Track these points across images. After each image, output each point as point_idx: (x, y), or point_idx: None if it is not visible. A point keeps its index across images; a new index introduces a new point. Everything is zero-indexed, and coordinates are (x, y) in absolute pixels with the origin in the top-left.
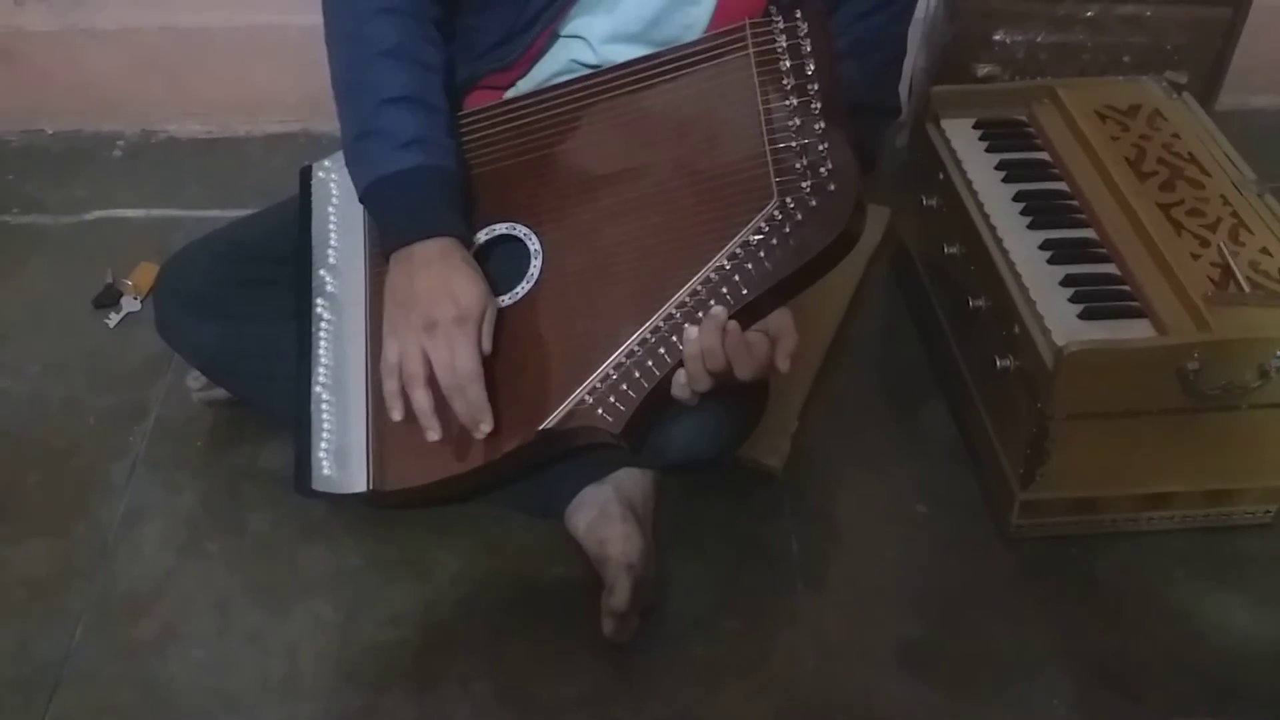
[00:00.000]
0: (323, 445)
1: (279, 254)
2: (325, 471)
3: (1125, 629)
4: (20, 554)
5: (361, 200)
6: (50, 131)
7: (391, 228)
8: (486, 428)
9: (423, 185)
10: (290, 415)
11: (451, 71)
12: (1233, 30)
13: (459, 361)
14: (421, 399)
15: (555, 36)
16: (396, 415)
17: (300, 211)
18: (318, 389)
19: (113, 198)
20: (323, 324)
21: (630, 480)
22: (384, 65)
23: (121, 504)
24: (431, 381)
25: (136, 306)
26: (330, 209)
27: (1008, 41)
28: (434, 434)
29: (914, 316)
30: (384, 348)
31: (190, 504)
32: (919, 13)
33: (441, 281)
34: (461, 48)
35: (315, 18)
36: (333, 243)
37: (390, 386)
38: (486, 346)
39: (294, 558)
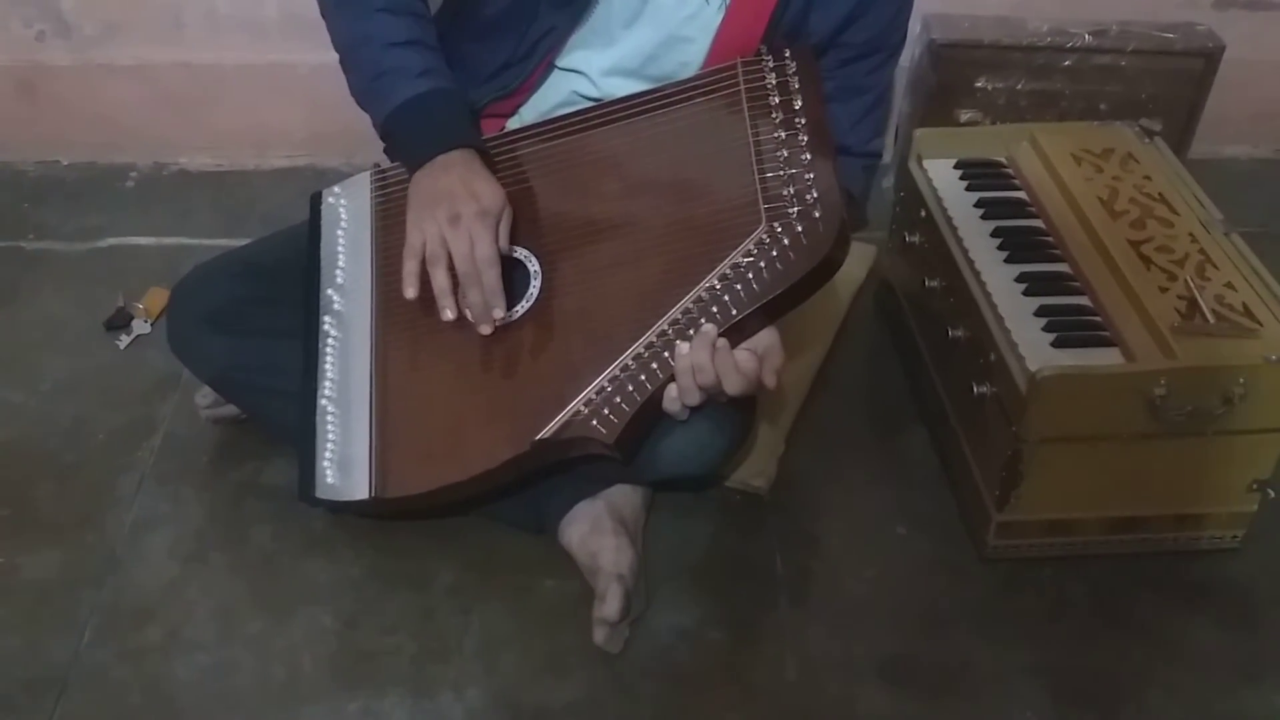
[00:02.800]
0: (327, 455)
1: (291, 275)
2: (329, 480)
3: (1097, 646)
4: (31, 562)
5: (383, 130)
6: (66, 162)
7: (414, 148)
8: (499, 314)
9: (439, 106)
10: (295, 428)
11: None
12: (1204, 81)
13: (479, 249)
14: (441, 278)
15: (552, 68)
16: (411, 292)
17: (310, 234)
18: (323, 402)
19: (125, 226)
20: (329, 340)
21: (622, 496)
22: (383, 18)
23: (129, 516)
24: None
25: (147, 329)
26: (339, 232)
27: (989, 88)
28: (450, 313)
29: (896, 347)
30: (407, 237)
31: (196, 516)
32: (905, 60)
33: (463, 182)
34: (464, 74)
35: (323, 57)
36: (341, 264)
37: (409, 266)
38: (504, 244)
39: (295, 568)
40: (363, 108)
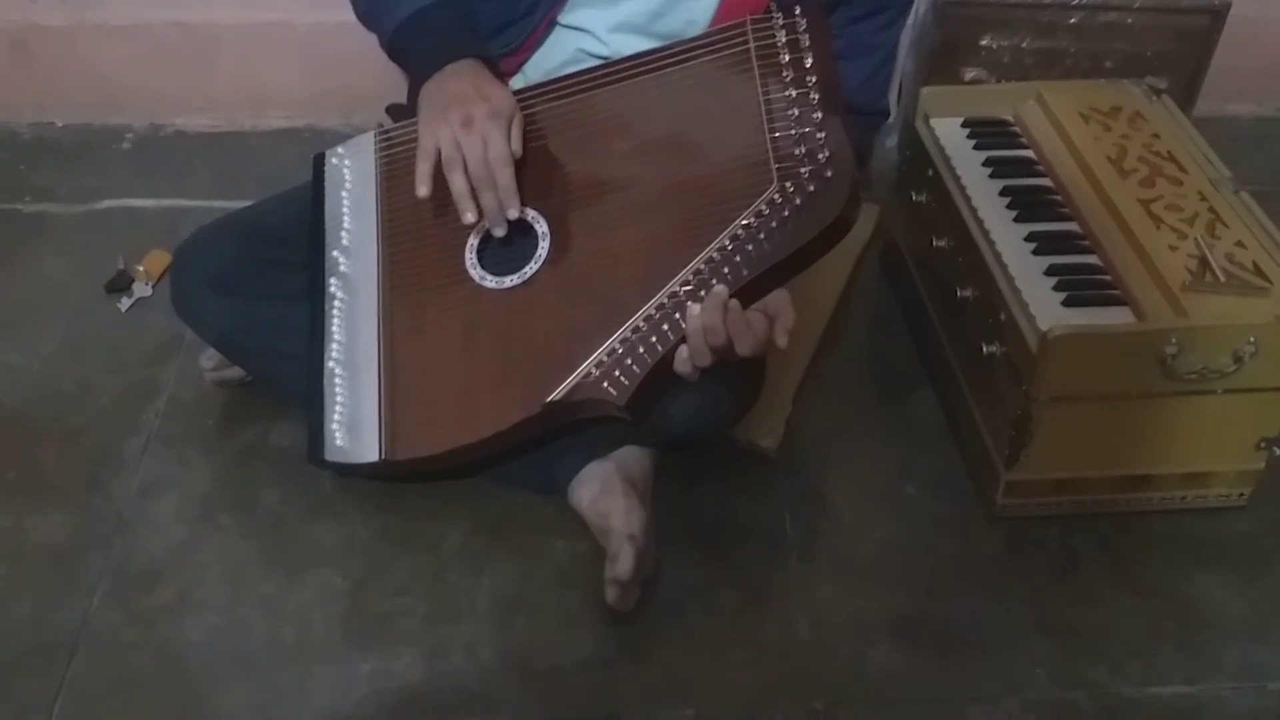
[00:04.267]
0: (335, 417)
1: (295, 236)
2: (338, 442)
3: (1105, 604)
4: (38, 525)
5: (389, 45)
6: (60, 124)
7: (424, 59)
8: (514, 214)
9: (443, 19)
10: (302, 391)
11: None
12: (1210, 38)
13: (492, 150)
14: (460, 182)
15: (554, 24)
16: (424, 191)
17: (314, 196)
18: (331, 364)
19: (123, 188)
20: (336, 302)
21: (631, 457)
22: None
23: (136, 479)
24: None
25: (148, 292)
26: (344, 193)
27: (994, 46)
28: (471, 215)
29: (902, 307)
30: (419, 140)
31: (203, 479)
32: (909, 18)
33: (473, 86)
34: None
35: (321, 15)
36: (346, 225)
37: (422, 168)
38: (516, 148)
39: (304, 530)
40: (368, 27)
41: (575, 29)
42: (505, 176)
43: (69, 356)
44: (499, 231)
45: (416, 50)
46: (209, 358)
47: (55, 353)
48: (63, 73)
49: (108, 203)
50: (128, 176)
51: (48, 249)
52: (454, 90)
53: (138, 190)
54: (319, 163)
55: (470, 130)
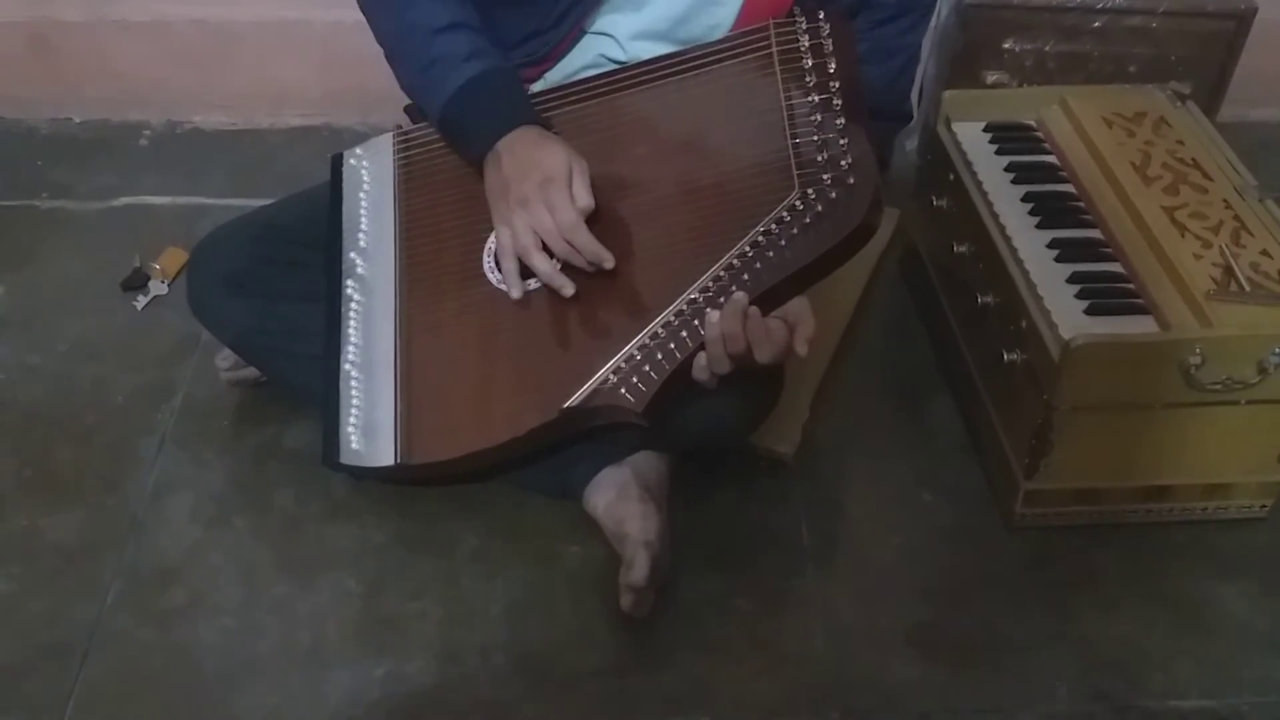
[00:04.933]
0: (351, 420)
1: (312, 237)
2: (353, 445)
3: (1125, 615)
4: (52, 525)
5: (440, 123)
6: (78, 120)
7: (475, 134)
8: (609, 264)
9: (492, 87)
10: (317, 393)
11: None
12: (1235, 43)
13: (558, 218)
14: (542, 263)
15: (583, 33)
16: (516, 293)
17: (331, 197)
18: (347, 367)
19: (140, 185)
20: (353, 305)
21: (647, 463)
22: (424, 4)
23: (150, 479)
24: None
25: (164, 290)
26: (362, 194)
27: (1017, 50)
28: (569, 289)
29: (922, 313)
30: (498, 237)
31: (217, 480)
32: (931, 20)
33: (524, 159)
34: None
35: (339, 13)
36: (364, 227)
37: (508, 266)
38: (585, 199)
39: (318, 533)
40: (417, 102)
41: (599, 34)
42: (583, 238)
43: (85, 355)
44: (606, 267)
45: (468, 128)
46: (224, 357)
47: (71, 351)
48: (81, 69)
49: (125, 200)
50: (145, 173)
51: (65, 246)
52: (507, 172)
53: (155, 187)
54: (337, 163)
55: (530, 208)
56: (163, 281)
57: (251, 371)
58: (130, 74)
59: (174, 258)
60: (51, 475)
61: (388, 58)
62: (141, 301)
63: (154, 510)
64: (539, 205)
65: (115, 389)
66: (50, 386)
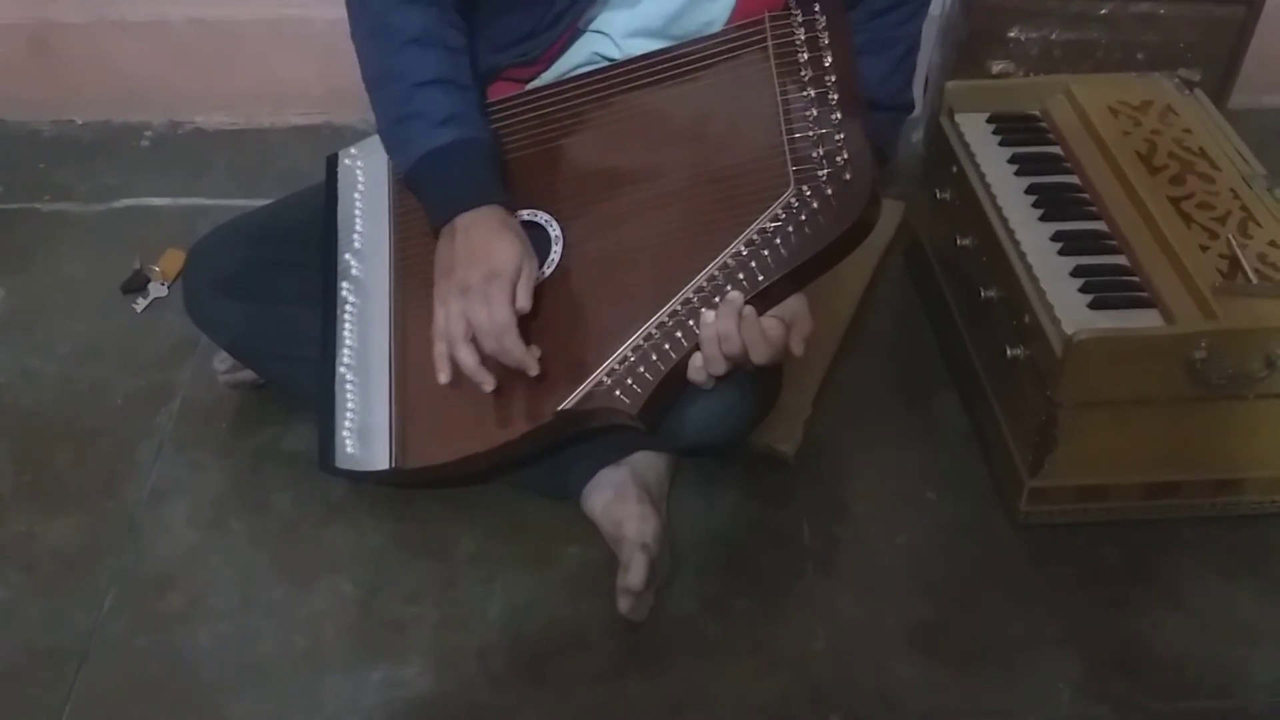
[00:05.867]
0: (346, 424)
1: (308, 238)
2: (349, 450)
3: (1132, 615)
4: (50, 529)
5: (406, 180)
6: (80, 121)
7: (436, 203)
8: (532, 372)
9: (462, 158)
10: (314, 396)
11: (474, 54)
12: (1245, 29)
13: (493, 315)
14: (465, 356)
15: (579, 32)
16: (443, 378)
17: (326, 197)
18: (342, 370)
19: (140, 186)
20: (347, 306)
21: (646, 463)
22: (412, 52)
23: (148, 483)
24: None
25: (164, 292)
26: (356, 195)
27: (1022, 39)
28: (488, 385)
29: (926, 307)
30: (434, 315)
31: (215, 483)
32: (935, 9)
33: (478, 245)
34: (484, 41)
35: (340, 11)
36: (358, 228)
37: (437, 349)
38: (524, 302)
39: (316, 536)
40: (386, 151)
41: (593, 32)
42: (510, 342)
43: (84, 358)
44: (532, 371)
45: (430, 194)
46: (222, 360)
47: (71, 354)
48: (82, 70)
49: (126, 201)
50: (146, 174)
51: (65, 248)
52: (459, 254)
53: (156, 189)
54: (332, 164)
55: (469, 298)
56: (162, 284)
57: (249, 374)
58: (131, 75)
59: (174, 260)
60: (50, 479)
61: (369, 94)
62: (141, 304)
63: (152, 514)
64: (478, 298)
65: (114, 392)
66: (50, 390)
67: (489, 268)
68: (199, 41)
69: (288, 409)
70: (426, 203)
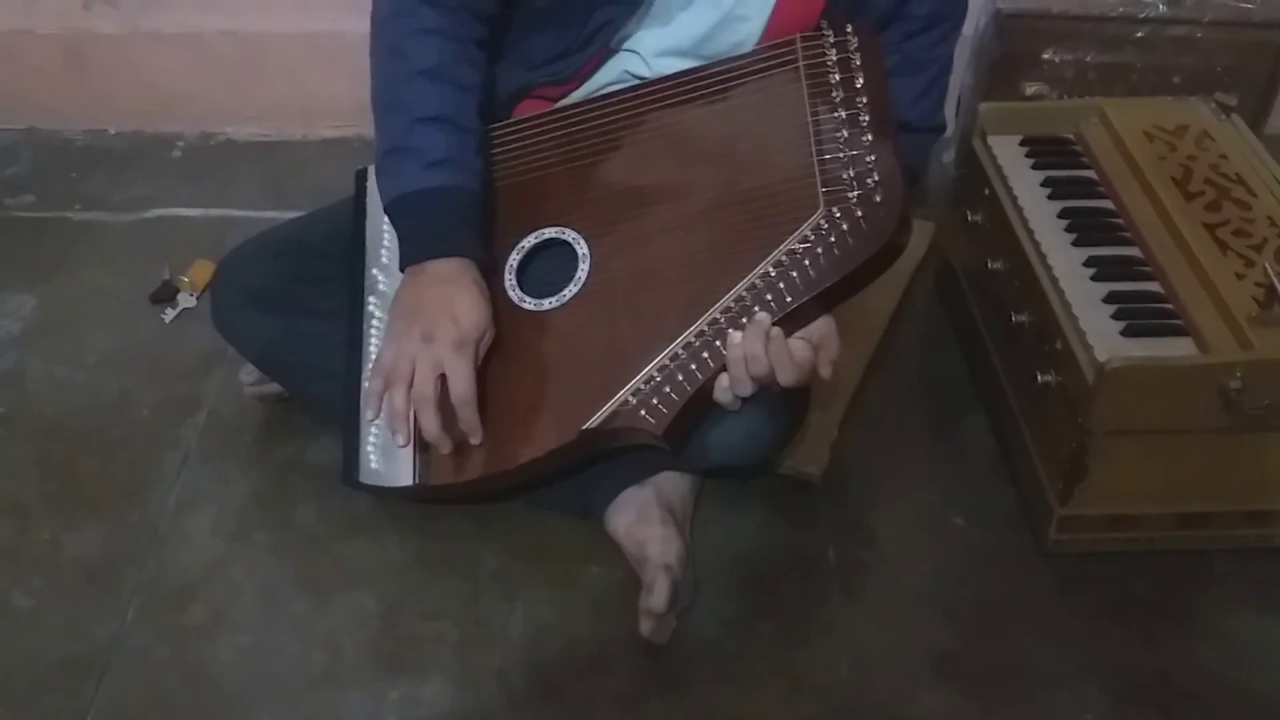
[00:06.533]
0: (370, 440)
1: (336, 252)
2: (373, 465)
3: (1161, 647)
4: (74, 539)
5: (386, 212)
6: (112, 131)
7: (411, 243)
8: (476, 440)
9: (445, 205)
10: (339, 410)
11: (489, 88)
12: None
13: (456, 386)
14: (398, 399)
15: (611, 52)
16: (370, 415)
17: (355, 212)
18: (367, 385)
19: (171, 197)
20: (374, 321)
21: (670, 483)
22: (421, 84)
23: (173, 494)
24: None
25: (192, 303)
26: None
27: (1056, 61)
28: (401, 439)
29: (956, 330)
30: (380, 351)
31: (240, 495)
32: (967, 30)
33: (446, 301)
34: (516, 60)
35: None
36: (386, 243)
37: (374, 385)
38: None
39: (339, 550)
40: (376, 175)
41: (625, 51)
42: (468, 414)
43: (112, 367)
44: (444, 450)
45: (411, 230)
46: (249, 373)
47: (99, 363)
48: (115, 81)
49: (156, 211)
50: (177, 185)
51: (96, 258)
52: (427, 302)
53: (187, 199)
54: (361, 178)
55: (429, 350)
56: (191, 294)
57: (275, 387)
58: (164, 85)
59: (203, 270)
60: (76, 489)
61: (373, 111)
62: (170, 314)
63: (176, 525)
64: (436, 356)
65: (141, 402)
66: (77, 399)
67: (458, 334)
68: (231, 54)
69: (313, 422)
70: (401, 241)
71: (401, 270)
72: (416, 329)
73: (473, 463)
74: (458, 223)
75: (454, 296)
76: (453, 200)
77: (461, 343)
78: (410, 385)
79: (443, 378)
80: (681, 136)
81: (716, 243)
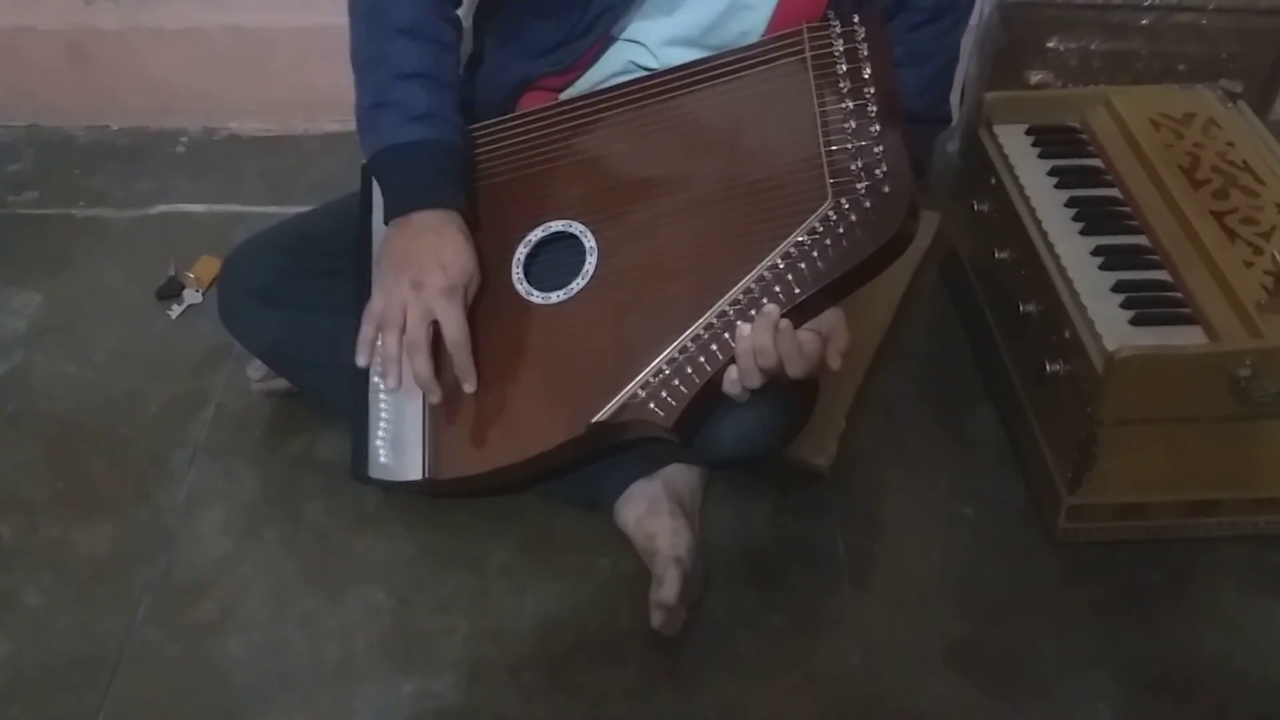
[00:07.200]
0: (380, 434)
1: (344, 247)
2: (382, 459)
3: (1172, 635)
4: (84, 537)
5: (369, 166)
6: (116, 128)
7: (396, 196)
8: (470, 388)
9: (429, 158)
10: (348, 405)
11: (506, 64)
12: None
13: (449, 330)
14: (391, 344)
15: (612, 40)
16: (362, 361)
17: (361, 206)
18: (375, 380)
19: (176, 193)
20: None
21: (679, 476)
22: (401, 41)
23: (182, 491)
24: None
25: (198, 299)
26: None
27: (1061, 49)
28: (392, 382)
29: (963, 320)
30: (370, 300)
31: (249, 491)
32: (973, 18)
33: (434, 249)
34: (517, 50)
35: None
36: None
37: (365, 332)
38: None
39: (348, 545)
40: (358, 133)
41: (628, 41)
42: (463, 358)
43: (119, 364)
44: (433, 399)
45: (390, 186)
46: (256, 368)
47: (106, 361)
48: (118, 76)
49: (161, 207)
50: (182, 181)
51: (101, 254)
52: (414, 251)
53: (191, 195)
54: (366, 173)
55: (419, 296)
56: (197, 290)
57: (283, 382)
58: (167, 81)
59: (208, 266)
60: (85, 487)
61: (354, 73)
62: (176, 310)
63: (185, 522)
64: (424, 301)
65: (149, 399)
66: (85, 396)
67: (446, 281)
68: (235, 49)
69: (321, 417)
70: (385, 194)
71: (386, 223)
72: (405, 277)
73: (481, 456)
74: (442, 175)
75: (440, 245)
76: (436, 153)
77: (451, 289)
78: (402, 331)
79: (434, 325)
80: (688, 128)
81: (724, 235)
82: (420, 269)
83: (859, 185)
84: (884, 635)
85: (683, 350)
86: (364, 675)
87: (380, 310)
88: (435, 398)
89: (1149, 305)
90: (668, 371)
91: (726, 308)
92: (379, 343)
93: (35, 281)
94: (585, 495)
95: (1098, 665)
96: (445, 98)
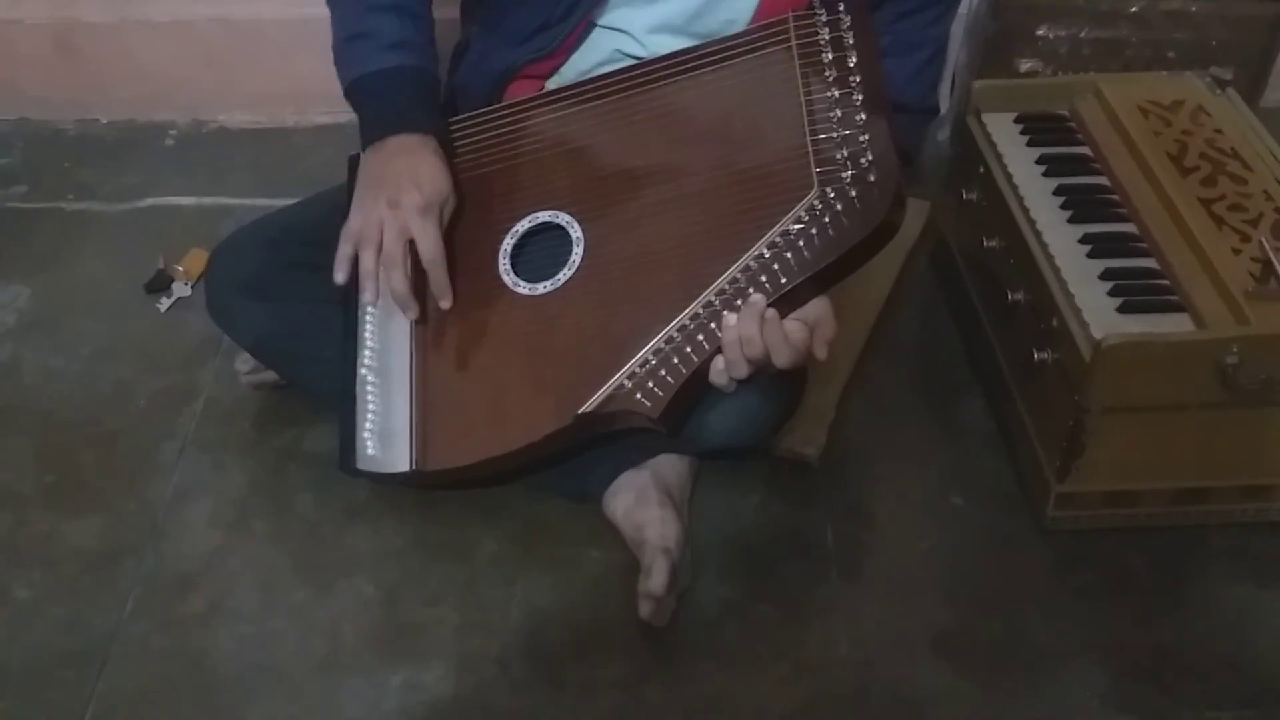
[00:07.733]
0: (368, 426)
1: (329, 239)
2: (370, 451)
3: (1160, 623)
4: (73, 530)
5: (346, 95)
6: (104, 120)
7: (372, 122)
8: (447, 304)
9: (404, 85)
10: (336, 397)
11: (491, 51)
12: (1278, 27)
13: (425, 247)
14: (369, 260)
15: (592, 26)
16: (340, 277)
17: (347, 198)
18: (363, 371)
19: (164, 186)
20: (369, 308)
21: (668, 466)
22: None
23: (171, 483)
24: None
25: (187, 292)
26: None
27: (1051, 37)
28: (369, 295)
29: (952, 309)
30: (348, 219)
31: (238, 484)
32: (961, 7)
33: (410, 170)
34: (501, 36)
35: None
36: None
37: (343, 250)
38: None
39: (337, 537)
40: (335, 65)
41: (612, 29)
42: (438, 274)
43: (108, 358)
44: (410, 314)
45: (367, 113)
46: (244, 361)
47: (94, 354)
48: (107, 69)
49: (150, 200)
50: (170, 174)
51: (89, 248)
52: (390, 172)
53: (180, 188)
54: (353, 164)
55: (395, 214)
56: (186, 283)
57: (272, 375)
58: (155, 74)
59: (197, 259)
60: (74, 480)
61: (329, 8)
62: (165, 303)
63: (174, 515)
64: (403, 219)
65: (138, 392)
66: (73, 389)
67: (422, 198)
68: (223, 41)
69: (310, 410)
70: (362, 121)
71: (363, 149)
72: (383, 197)
73: (469, 448)
74: (416, 101)
75: (416, 166)
76: (412, 80)
77: (426, 207)
78: (379, 248)
79: (410, 243)
80: (674, 117)
81: (711, 224)
82: (396, 188)
83: (844, 174)
84: (873, 624)
85: (669, 341)
86: (353, 667)
87: (358, 228)
88: (413, 314)
89: (1137, 293)
90: (654, 362)
91: (713, 298)
92: (357, 259)
93: (24, 275)
94: (574, 486)
95: (1086, 653)
96: (419, 27)
